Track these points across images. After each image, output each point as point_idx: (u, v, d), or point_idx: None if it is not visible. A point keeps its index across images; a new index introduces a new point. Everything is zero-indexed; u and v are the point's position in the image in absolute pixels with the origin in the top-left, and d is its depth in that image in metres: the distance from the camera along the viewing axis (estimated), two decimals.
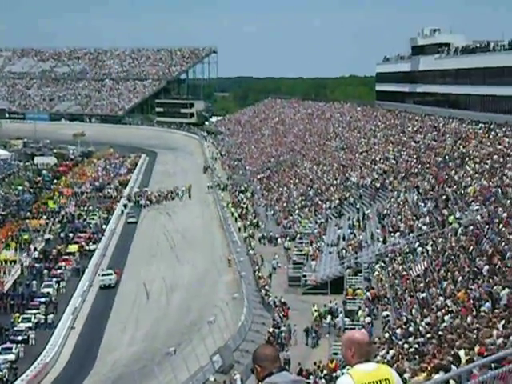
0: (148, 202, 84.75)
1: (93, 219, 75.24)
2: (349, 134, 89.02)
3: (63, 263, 58.79)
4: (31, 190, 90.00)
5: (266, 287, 47.69)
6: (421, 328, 29.03)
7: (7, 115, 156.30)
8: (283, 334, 38.83)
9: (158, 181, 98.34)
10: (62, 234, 68.90)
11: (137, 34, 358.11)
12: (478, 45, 70.33)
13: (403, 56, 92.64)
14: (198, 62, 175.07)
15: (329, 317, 40.25)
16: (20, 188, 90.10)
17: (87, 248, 64.04)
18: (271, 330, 39.16)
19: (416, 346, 24.90)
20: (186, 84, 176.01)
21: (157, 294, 52.62)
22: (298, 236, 59.10)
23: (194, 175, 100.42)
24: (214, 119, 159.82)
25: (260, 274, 50.42)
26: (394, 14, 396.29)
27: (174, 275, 56.23)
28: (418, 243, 43.10)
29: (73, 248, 63.35)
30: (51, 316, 47.02)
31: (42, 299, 49.90)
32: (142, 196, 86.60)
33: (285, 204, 71.10)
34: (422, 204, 49.81)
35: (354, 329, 33.57)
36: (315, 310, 41.11)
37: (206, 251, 61.98)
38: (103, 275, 56.03)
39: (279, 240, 60.52)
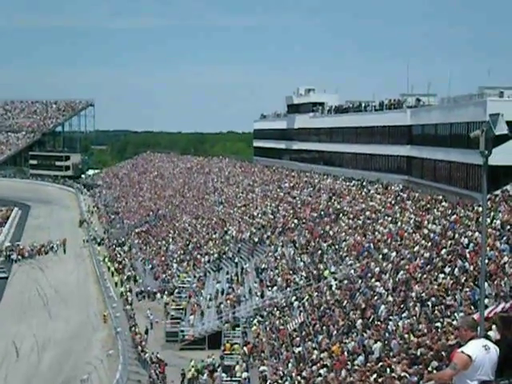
0: (20, 257, 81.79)
1: None
2: (227, 189, 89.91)
3: None
4: None
5: (143, 343, 46.80)
6: (296, 382, 29.26)
7: None
8: None
9: (31, 235, 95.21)
10: None
11: (10, 85, 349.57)
12: (351, 105, 73.32)
13: (279, 114, 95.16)
14: (75, 115, 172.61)
15: (205, 372, 39.89)
16: None
17: None
18: None
19: None
20: (62, 137, 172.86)
21: (27, 352, 50.45)
22: (177, 290, 58.60)
23: (70, 229, 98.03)
24: (90, 172, 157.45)
25: (137, 330, 49.47)
26: (270, 73, 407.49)
27: (46, 332, 54.20)
28: (294, 297, 43.71)
29: None
30: None
31: None
32: (14, 250, 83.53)
33: (163, 258, 70.51)
34: (299, 258, 50.71)
35: None
36: (192, 366, 40.66)
37: (80, 307, 60.26)
38: None
39: (157, 295, 59.76)
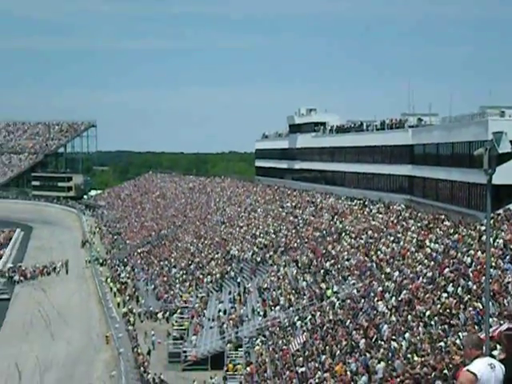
0: (22, 278, 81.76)
1: None
2: (229, 209, 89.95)
3: None
4: None
5: (145, 364, 46.65)
6: None
7: None
8: None
9: (33, 256, 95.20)
10: None
11: (13, 106, 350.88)
12: (352, 124, 73.54)
13: (281, 133, 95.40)
14: (77, 136, 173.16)
15: None
16: None
17: None
18: None
19: None
20: (64, 158, 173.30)
21: (29, 374, 50.29)
22: (179, 310, 58.48)
23: (72, 250, 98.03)
24: (93, 193, 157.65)
25: (139, 351, 49.34)
26: (272, 93, 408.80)
27: (48, 354, 54.05)
28: (297, 317, 43.61)
29: None
30: None
31: None
32: (16, 271, 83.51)
33: (165, 278, 70.42)
34: (301, 278, 50.64)
35: None
36: None
37: (82, 328, 60.14)
38: None
39: (159, 315, 59.64)
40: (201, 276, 66.22)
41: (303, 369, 35.00)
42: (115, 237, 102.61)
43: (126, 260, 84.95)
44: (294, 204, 76.09)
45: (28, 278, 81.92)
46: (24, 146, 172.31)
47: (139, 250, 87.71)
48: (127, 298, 66.87)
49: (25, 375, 50.19)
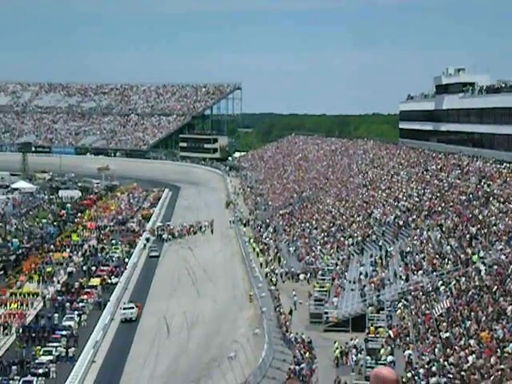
0: (170, 237, 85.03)
1: (115, 253, 75.50)
2: (372, 171, 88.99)
3: (85, 296, 58.95)
4: (55, 223, 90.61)
5: (287, 323, 47.39)
6: (444, 368, 28.68)
7: (33, 149, 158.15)
8: (304, 372, 38.46)
9: (180, 215, 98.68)
10: (84, 267, 69.16)
11: (162, 69, 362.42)
12: (503, 84, 70.34)
13: (427, 95, 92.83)
14: (223, 98, 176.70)
15: (354, 350, 39.81)
16: (44, 221, 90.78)
17: (109, 281, 64.17)
18: (292, 366, 38.83)
19: None
20: (210, 120, 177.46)
21: (177, 329, 52.44)
22: (320, 272, 58.83)
23: (217, 210, 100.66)
24: (237, 155, 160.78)
25: (281, 310, 50.16)
26: (418, 53, 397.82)
27: (194, 310, 56.07)
28: (441, 282, 42.73)
29: (95, 281, 63.54)
30: (72, 349, 46.99)
31: (64, 332, 49.92)
32: (165, 230, 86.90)
33: (307, 240, 70.94)
34: (446, 242, 49.49)
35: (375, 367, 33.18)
36: (336, 348, 40.76)
37: (227, 286, 61.85)
38: (124, 309, 56.04)
39: (301, 276, 60.28)
40: (342, 238, 66.17)
41: (447, 334, 34.37)
42: (258, 198, 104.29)
43: (268, 221, 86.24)
44: (438, 167, 74.12)
45: (176, 237, 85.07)
46: (173, 108, 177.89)
47: (281, 212, 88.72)
48: (269, 258, 68.00)
49: (173, 330, 52.42)
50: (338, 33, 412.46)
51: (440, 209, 58.73)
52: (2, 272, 65.19)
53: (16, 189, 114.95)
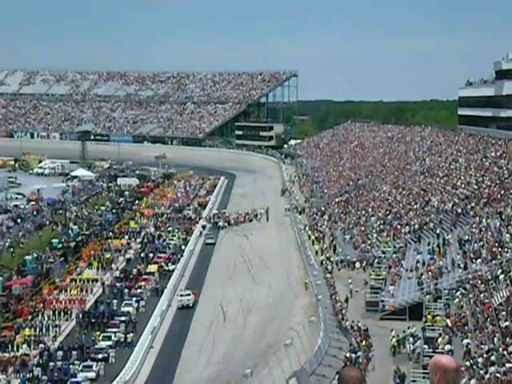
0: (226, 224, 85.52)
1: (172, 240, 76.33)
2: (429, 159, 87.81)
3: (143, 283, 59.81)
4: (113, 210, 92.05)
5: (343, 311, 47.27)
6: (504, 357, 28.26)
7: (92, 137, 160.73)
8: (360, 360, 38.34)
9: (236, 203, 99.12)
10: (142, 254, 70.13)
11: (218, 58, 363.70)
12: None
13: (487, 80, 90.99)
14: (278, 86, 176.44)
15: (411, 339, 39.49)
16: (103, 208, 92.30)
17: (166, 268, 64.96)
18: (348, 354, 38.75)
19: (498, 375, 24.27)
20: (266, 107, 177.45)
21: (233, 316, 52.81)
22: (376, 260, 58.45)
23: (272, 198, 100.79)
24: (292, 142, 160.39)
25: (337, 298, 50.04)
26: (477, 39, 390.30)
27: (250, 297, 56.37)
28: (500, 270, 42.02)
29: (152, 268, 64.39)
30: (131, 335, 47.78)
31: (122, 318, 50.80)
32: (221, 218, 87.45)
33: (363, 228, 70.50)
34: (505, 230, 48.60)
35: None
36: (393, 336, 40.49)
37: (282, 274, 61.96)
38: (181, 295, 56.70)
39: (357, 264, 60.00)
40: (398, 226, 65.55)
41: (507, 323, 33.82)
42: (314, 186, 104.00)
43: (323, 209, 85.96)
44: (498, 154, 72.69)
45: (231, 224, 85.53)
46: (229, 96, 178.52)
47: (337, 200, 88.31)
48: (325, 246, 67.83)
49: (229, 316, 52.81)
50: (395, 18, 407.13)
51: (499, 196, 57.67)
52: (62, 258, 66.58)
53: (75, 177, 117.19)
